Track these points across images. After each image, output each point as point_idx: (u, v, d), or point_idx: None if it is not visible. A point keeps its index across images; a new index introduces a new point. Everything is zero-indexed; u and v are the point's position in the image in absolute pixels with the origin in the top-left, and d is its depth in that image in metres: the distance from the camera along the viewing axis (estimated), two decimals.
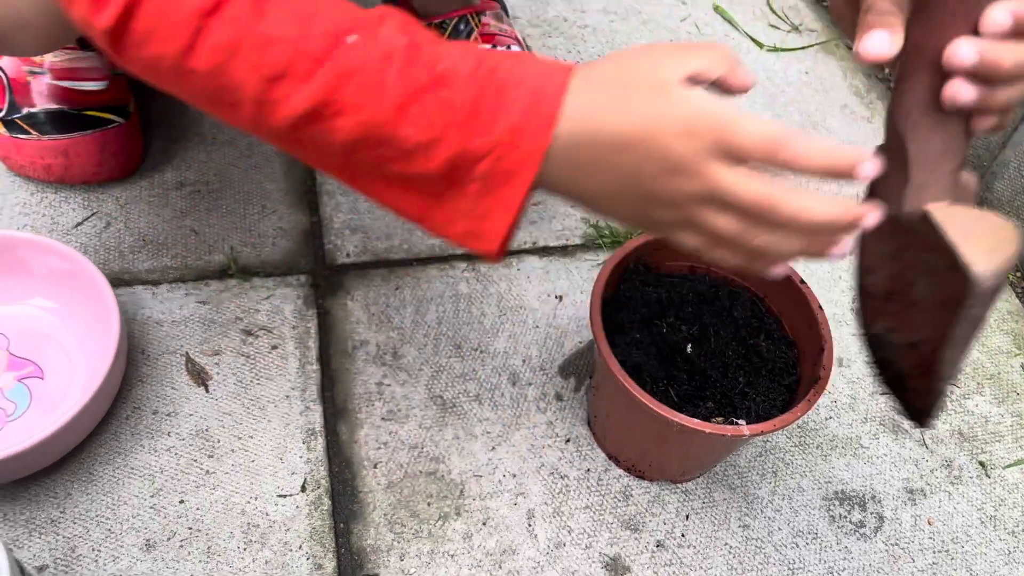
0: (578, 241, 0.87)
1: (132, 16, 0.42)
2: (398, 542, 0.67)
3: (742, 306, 0.70)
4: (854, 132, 1.03)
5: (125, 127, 0.80)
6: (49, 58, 0.77)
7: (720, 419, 0.63)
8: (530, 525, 0.69)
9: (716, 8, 1.14)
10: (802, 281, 0.67)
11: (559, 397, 0.76)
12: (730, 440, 0.62)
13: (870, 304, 0.51)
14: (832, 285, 0.88)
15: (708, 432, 0.58)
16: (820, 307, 0.66)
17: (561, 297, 0.83)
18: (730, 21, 1.13)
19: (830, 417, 0.78)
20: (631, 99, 0.43)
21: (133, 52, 0.44)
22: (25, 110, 0.77)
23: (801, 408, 0.60)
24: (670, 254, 0.71)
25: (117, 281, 0.77)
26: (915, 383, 0.49)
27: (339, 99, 0.43)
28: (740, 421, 0.62)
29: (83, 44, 0.79)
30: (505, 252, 0.48)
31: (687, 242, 0.46)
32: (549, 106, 0.44)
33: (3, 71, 0.77)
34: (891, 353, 0.50)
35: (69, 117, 0.77)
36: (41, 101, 0.77)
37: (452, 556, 0.66)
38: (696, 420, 0.59)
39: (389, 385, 0.75)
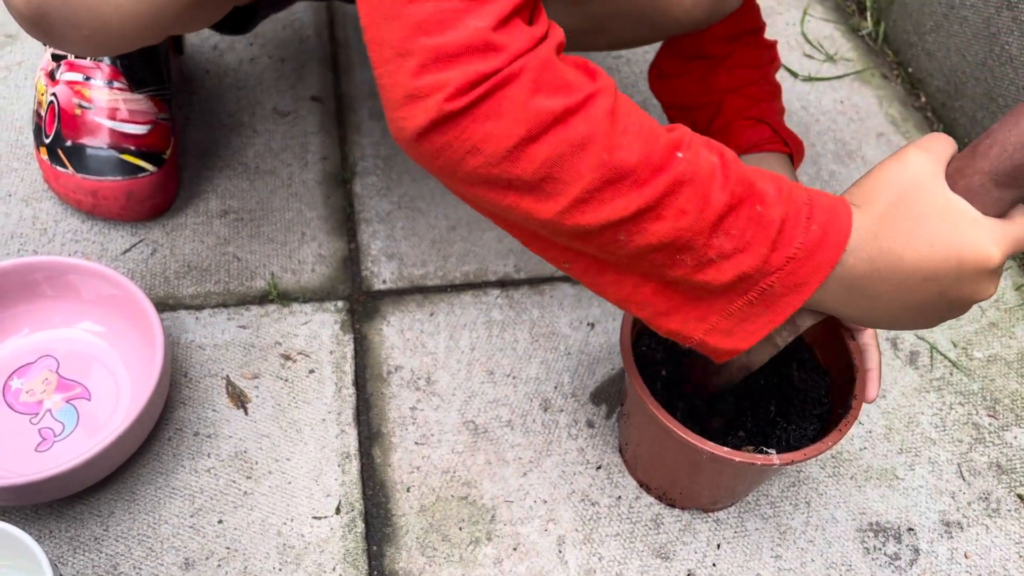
0: None
1: (488, 99, 0.42)
2: (430, 566, 0.67)
3: None
4: None
5: (155, 176, 0.82)
6: (99, 96, 0.80)
7: (751, 448, 0.63)
8: (560, 551, 0.69)
9: None
10: None
11: (590, 424, 0.76)
12: (761, 469, 0.62)
13: None
14: None
15: (738, 461, 0.59)
16: (852, 336, 0.65)
17: (593, 324, 0.83)
18: None
19: (864, 447, 0.77)
20: (924, 228, 0.47)
21: (461, 128, 0.42)
22: (69, 142, 0.80)
23: (832, 438, 0.60)
24: None
25: (162, 306, 0.79)
26: None
27: (666, 205, 0.44)
28: (771, 450, 0.62)
29: (135, 84, 0.82)
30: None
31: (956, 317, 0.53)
32: (841, 226, 0.47)
33: (56, 100, 0.81)
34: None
35: (104, 159, 0.80)
36: (85, 136, 0.80)
37: None
38: (726, 449, 0.59)
39: (422, 410, 0.76)
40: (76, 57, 0.82)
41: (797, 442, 0.63)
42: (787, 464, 0.59)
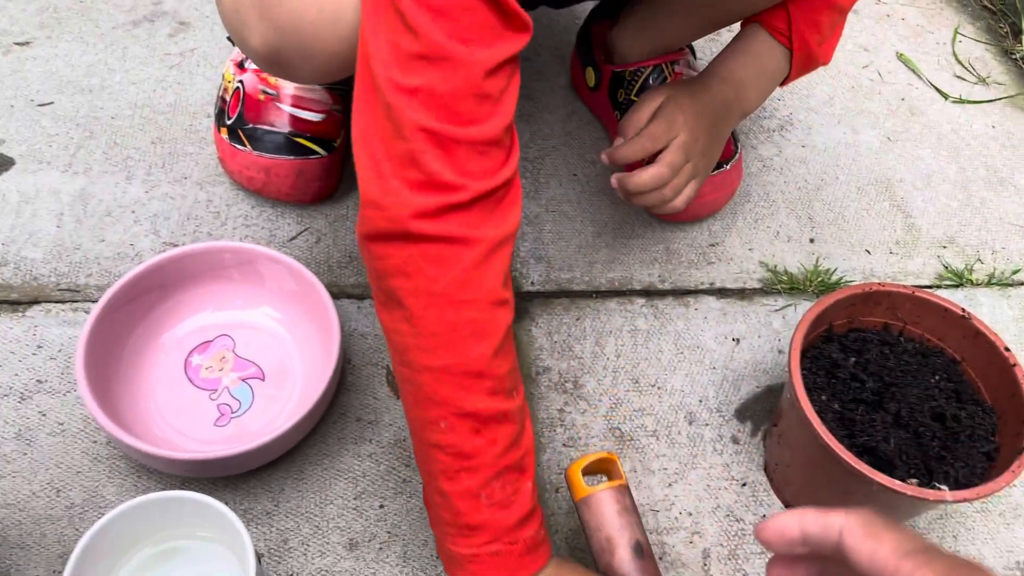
0: (756, 285, 0.89)
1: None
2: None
3: (937, 368, 0.69)
4: None
5: (324, 160, 0.86)
6: (283, 84, 0.84)
7: (914, 481, 0.63)
8: (705, 564, 0.70)
9: (900, 56, 1.13)
10: (1007, 349, 0.66)
11: (735, 440, 0.77)
12: (915, 503, 0.62)
13: None
14: None
15: (910, 495, 0.59)
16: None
17: (738, 340, 0.84)
18: (913, 70, 1.12)
19: (1015, 485, 0.76)
20: None
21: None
22: (250, 124, 0.84)
23: (1006, 478, 0.60)
24: (864, 309, 0.71)
25: None
26: None
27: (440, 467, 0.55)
28: (942, 486, 0.62)
29: None
30: None
31: None
32: None
33: (243, 86, 0.85)
34: None
35: (280, 140, 0.84)
36: (265, 120, 0.84)
37: None
38: (897, 482, 0.59)
39: (570, 413, 0.78)
40: None
41: (967, 479, 0.63)
42: (959, 501, 0.59)
